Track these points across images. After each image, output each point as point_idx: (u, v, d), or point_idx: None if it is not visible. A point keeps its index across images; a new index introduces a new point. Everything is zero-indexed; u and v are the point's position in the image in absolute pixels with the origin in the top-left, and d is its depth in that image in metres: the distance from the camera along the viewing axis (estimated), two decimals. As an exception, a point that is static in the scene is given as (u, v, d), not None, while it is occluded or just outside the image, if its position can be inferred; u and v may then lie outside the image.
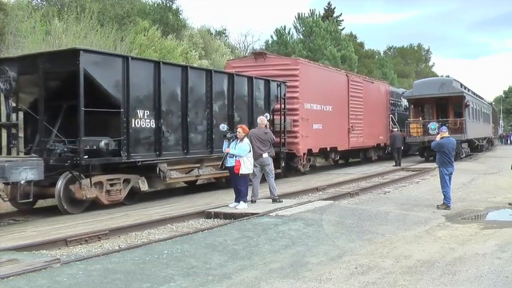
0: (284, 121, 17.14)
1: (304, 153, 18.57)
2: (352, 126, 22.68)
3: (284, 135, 17.22)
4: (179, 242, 7.60)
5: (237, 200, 10.75)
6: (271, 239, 8.12)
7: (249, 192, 11.29)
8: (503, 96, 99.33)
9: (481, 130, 33.77)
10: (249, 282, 6.01)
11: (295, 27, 45.10)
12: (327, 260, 7.14)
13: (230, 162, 10.83)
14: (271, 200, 11.40)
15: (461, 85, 28.78)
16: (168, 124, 12.71)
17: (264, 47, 39.75)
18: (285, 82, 17.33)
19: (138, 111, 11.82)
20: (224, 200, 11.87)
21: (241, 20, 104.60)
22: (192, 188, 15.30)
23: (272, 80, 16.70)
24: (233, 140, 10.84)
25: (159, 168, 12.43)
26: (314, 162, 20.40)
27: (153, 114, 12.23)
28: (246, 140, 10.84)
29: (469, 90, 30.49)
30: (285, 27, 43.49)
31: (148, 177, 12.35)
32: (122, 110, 11.40)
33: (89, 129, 10.85)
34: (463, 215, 11.32)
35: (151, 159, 12.22)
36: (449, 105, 28.37)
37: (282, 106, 17.20)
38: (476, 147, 31.80)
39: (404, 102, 31.55)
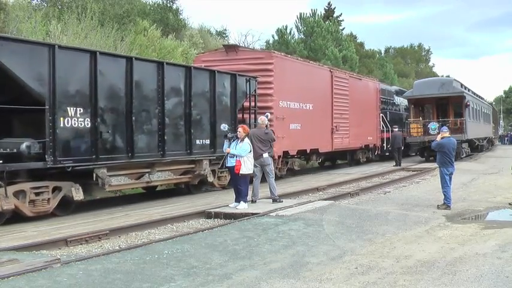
0: (255, 120, 15.01)
1: (279, 156, 16.85)
2: (336, 126, 21.09)
3: None
4: (179, 242, 7.60)
5: (237, 200, 10.75)
6: (272, 239, 8.12)
7: (249, 192, 11.29)
8: (504, 96, 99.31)
9: (481, 130, 33.76)
10: (249, 282, 6.01)
11: (296, 27, 45.11)
12: (327, 260, 7.14)
13: (230, 162, 10.83)
14: (271, 200, 11.40)
15: (462, 85, 28.78)
16: (108, 123, 11.06)
17: (264, 47, 39.73)
18: (255, 77, 15.71)
19: (68, 108, 10.19)
20: (224, 200, 11.88)
21: (241, 20, 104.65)
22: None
23: (239, 75, 15.05)
24: (234, 140, 10.84)
25: (97, 174, 10.80)
26: (292, 165, 18.46)
27: (89, 112, 10.59)
28: (247, 140, 10.85)
29: (469, 90, 30.49)
30: (286, 27, 43.51)
31: (85, 185, 10.89)
32: (47, 107, 9.80)
33: (9, 129, 9.91)
34: (463, 215, 11.32)
35: (86, 164, 10.55)
36: (449, 105, 28.38)
37: (252, 104, 15.71)
38: (476, 147, 31.80)
39: (398, 101, 30.84)
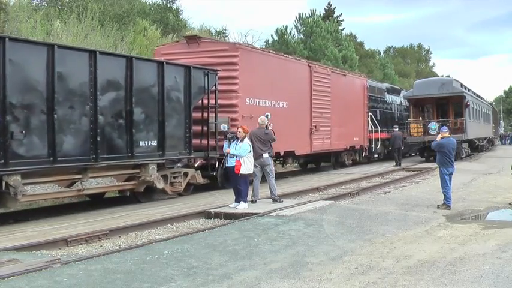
0: (215, 119, 14.02)
1: None
2: (315, 126, 19.15)
3: (216, 137, 13.95)
4: (179, 242, 7.60)
5: (237, 200, 10.75)
6: (272, 239, 8.12)
7: (249, 192, 11.29)
8: (504, 96, 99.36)
9: (482, 130, 33.77)
10: (249, 282, 6.01)
11: (296, 27, 45.10)
12: (328, 260, 7.14)
13: (230, 163, 10.83)
14: (271, 200, 11.41)
15: (462, 85, 28.79)
16: (22, 122, 9.38)
17: (264, 47, 39.73)
18: (215, 70, 14.04)
19: None
20: (224, 200, 11.87)
21: (241, 20, 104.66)
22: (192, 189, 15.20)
23: (195, 67, 13.37)
24: (233, 140, 10.84)
25: (7, 182, 9.11)
26: None
27: None
28: (247, 140, 10.85)
29: (469, 90, 30.50)
30: (286, 27, 43.50)
31: None
32: None
33: None
34: (463, 215, 11.32)
35: None
36: (449, 105, 28.39)
37: (212, 101, 14.09)
38: (476, 147, 31.82)
39: (389, 99, 29.57)
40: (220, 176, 14.63)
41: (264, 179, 11.79)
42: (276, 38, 43.05)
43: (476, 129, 30.23)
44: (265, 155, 11.46)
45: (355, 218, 9.95)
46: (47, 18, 22.74)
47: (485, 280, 6.13)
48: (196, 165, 14.13)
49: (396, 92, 31.70)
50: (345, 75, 22.92)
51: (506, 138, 66.17)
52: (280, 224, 8.99)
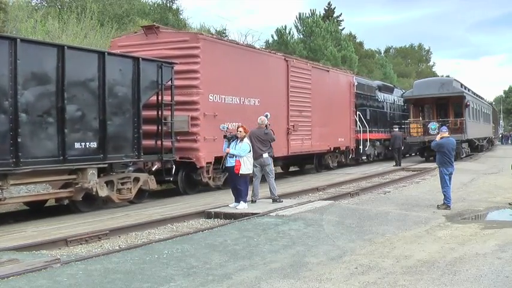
0: (171, 118, 12.69)
1: (210, 162, 13.76)
2: (293, 126, 17.59)
3: (172, 138, 12.64)
4: (179, 242, 7.60)
5: (237, 200, 10.75)
6: (272, 239, 8.12)
7: (249, 192, 11.29)
8: (504, 96, 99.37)
9: (481, 130, 33.80)
10: (249, 282, 6.01)
11: (295, 27, 45.11)
12: (327, 260, 7.14)
13: (230, 163, 10.82)
14: (271, 200, 11.40)
15: (462, 85, 28.82)
16: None
17: (264, 47, 39.73)
18: (171, 63, 12.60)
19: None
20: (224, 200, 11.87)
21: (241, 20, 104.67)
22: (192, 188, 15.16)
23: (145, 59, 11.95)
24: (233, 140, 10.83)
25: None
26: None
27: None
28: (246, 140, 10.84)
29: (469, 90, 30.52)
30: (285, 27, 43.49)
31: None
32: None
33: None
34: (463, 215, 11.32)
35: None
36: (449, 105, 28.41)
37: (168, 98, 12.63)
38: (476, 147, 31.84)
39: (381, 97, 28.10)
40: (182, 182, 13.83)
41: (263, 179, 11.79)
42: (275, 38, 43.06)
43: (476, 129, 30.25)
44: (265, 155, 11.46)
45: (355, 218, 9.95)
46: (47, 18, 22.74)
47: (485, 280, 6.13)
48: (154, 169, 12.80)
49: (389, 90, 30.30)
50: (328, 71, 21.31)
51: (509, 138, 66.18)
52: (280, 224, 8.99)
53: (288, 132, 17.53)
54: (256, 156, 11.25)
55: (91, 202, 11.34)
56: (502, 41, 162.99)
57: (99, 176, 10.84)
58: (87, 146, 10.53)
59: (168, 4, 34.49)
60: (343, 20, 55.61)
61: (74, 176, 10.48)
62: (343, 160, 22.72)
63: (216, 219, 10.04)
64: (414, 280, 6.16)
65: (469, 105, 27.21)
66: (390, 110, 29.61)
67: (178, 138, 13.15)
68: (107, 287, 5.60)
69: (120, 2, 29.73)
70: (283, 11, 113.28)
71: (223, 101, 14.41)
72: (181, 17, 35.02)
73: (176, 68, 12.83)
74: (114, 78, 11.15)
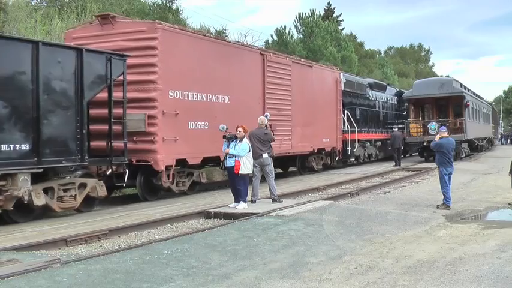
0: (123, 116, 11.49)
1: (171, 166, 12.55)
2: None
3: (124, 139, 11.46)
4: (179, 242, 7.60)
5: (237, 200, 10.75)
6: (271, 239, 8.12)
7: (249, 192, 11.29)
8: (503, 96, 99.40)
9: (481, 130, 33.82)
10: (249, 282, 6.01)
11: (295, 26, 45.11)
12: (327, 260, 7.14)
13: (230, 163, 10.82)
14: (271, 200, 11.40)
15: (461, 85, 28.83)
16: None
17: (264, 47, 39.76)
18: (123, 56, 11.40)
19: None
20: (224, 200, 11.88)
21: (241, 20, 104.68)
22: (192, 188, 15.14)
23: (90, 51, 10.77)
24: (233, 140, 10.83)
25: None
26: (199, 177, 13.96)
27: None
28: (246, 140, 10.85)
29: (469, 90, 30.53)
30: (285, 27, 43.51)
31: None
32: None
33: None
34: (463, 215, 11.32)
35: None
36: (449, 105, 28.43)
37: (118, 94, 11.41)
38: (476, 147, 31.85)
39: (373, 96, 26.97)
40: (140, 187, 12.73)
41: (263, 179, 11.78)
42: (275, 38, 43.06)
43: (475, 129, 30.27)
44: (265, 155, 11.46)
45: (355, 218, 9.95)
46: (47, 18, 22.74)
47: (485, 280, 6.13)
48: (108, 173, 11.54)
49: (381, 87, 28.96)
50: (311, 67, 19.74)
51: (504, 138, 66.21)
52: (280, 224, 8.99)
53: None
54: (256, 156, 11.25)
55: (29, 211, 10.00)
56: (501, 41, 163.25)
57: (35, 183, 9.65)
58: (17, 149, 9.30)
59: (168, 4, 34.45)
60: (342, 20, 55.65)
61: (3, 183, 9.21)
62: (329, 162, 21.39)
63: (215, 219, 10.04)
64: (414, 280, 6.17)
65: (468, 105, 27.23)
66: (383, 109, 28.47)
67: (135, 139, 12.07)
68: (106, 287, 5.61)
69: (120, 2, 29.72)
70: (283, 10, 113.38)
71: (186, 98, 13.05)
72: (181, 17, 34.99)
73: (132, 61, 11.74)
74: (50, 71, 9.88)
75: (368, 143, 25.44)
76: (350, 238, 8.52)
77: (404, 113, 30.44)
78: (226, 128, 11.16)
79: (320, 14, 48.33)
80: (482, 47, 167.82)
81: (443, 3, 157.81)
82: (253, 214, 9.78)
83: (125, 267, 6.30)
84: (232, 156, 10.72)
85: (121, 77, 11.38)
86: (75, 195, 10.55)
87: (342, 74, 22.89)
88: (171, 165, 12.55)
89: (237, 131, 10.84)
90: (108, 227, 8.85)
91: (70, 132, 10.30)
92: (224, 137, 11.07)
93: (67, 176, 10.59)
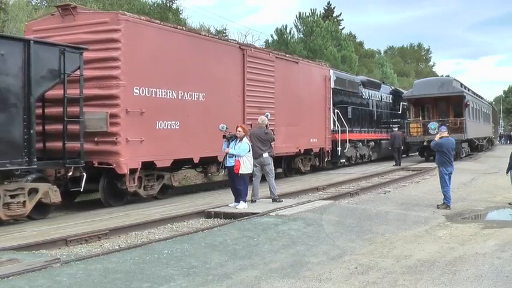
0: (80, 115, 10.67)
1: (136, 169, 11.60)
2: (251, 125, 14.66)
3: (81, 139, 10.70)
4: (179, 241, 7.60)
5: (237, 200, 10.75)
6: (271, 238, 8.12)
7: (249, 192, 11.29)
8: (503, 96, 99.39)
9: (481, 130, 33.81)
10: (249, 282, 6.01)
11: (295, 26, 45.10)
12: (327, 259, 7.14)
13: (230, 162, 10.81)
14: (271, 199, 11.40)
15: (461, 85, 28.82)
16: None
17: (264, 46, 39.76)
18: (79, 48, 10.57)
19: None
20: (224, 199, 11.87)
21: (241, 20, 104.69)
22: (192, 188, 15.16)
23: (39, 42, 9.95)
24: (232, 140, 10.83)
25: None
26: (170, 180, 13.04)
27: None
28: (246, 139, 10.84)
29: (469, 90, 30.52)
30: (286, 26, 43.50)
31: None
32: None
33: None
34: (463, 215, 11.32)
35: None
36: (449, 105, 28.42)
37: (74, 91, 10.54)
38: (476, 147, 31.84)
39: (366, 94, 25.91)
40: (103, 191, 11.77)
41: (263, 179, 11.78)
42: (275, 37, 43.05)
43: (476, 129, 30.26)
44: (265, 155, 11.46)
45: (355, 218, 9.95)
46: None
47: (485, 280, 6.13)
48: (69, 176, 10.85)
49: (375, 86, 27.78)
50: (297, 63, 18.64)
51: (503, 138, 66.21)
52: (280, 224, 8.99)
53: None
54: (256, 156, 11.25)
55: None
56: (502, 41, 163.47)
57: None
58: None
59: (168, 4, 34.46)
60: (343, 20, 55.67)
61: None
62: (317, 163, 20.40)
63: (216, 219, 10.04)
64: (414, 280, 6.16)
65: (469, 105, 27.22)
66: (377, 108, 27.40)
67: (96, 139, 11.22)
68: (107, 287, 5.60)
69: (120, 1, 29.72)
70: (283, 10, 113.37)
71: (153, 95, 12.07)
72: (181, 16, 35.00)
73: (93, 55, 10.99)
74: None
75: (360, 144, 24.28)
76: (350, 238, 8.52)
77: (400, 112, 29.99)
78: (226, 128, 11.16)
79: (320, 14, 48.36)
80: (482, 47, 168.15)
81: (443, 3, 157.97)
82: (253, 214, 9.78)
83: (125, 267, 6.30)
84: (232, 156, 10.72)
85: (77, 72, 10.53)
86: (25, 201, 9.63)
87: (332, 70, 21.86)
88: (136, 168, 11.62)
89: (236, 131, 10.84)
90: (108, 226, 8.85)
91: (16, 133, 9.37)
92: (224, 136, 11.06)
93: (18, 180, 9.66)
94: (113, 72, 11.36)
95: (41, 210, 10.22)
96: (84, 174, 10.78)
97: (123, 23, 11.46)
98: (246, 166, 10.69)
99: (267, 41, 43.27)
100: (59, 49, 10.12)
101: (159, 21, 12.99)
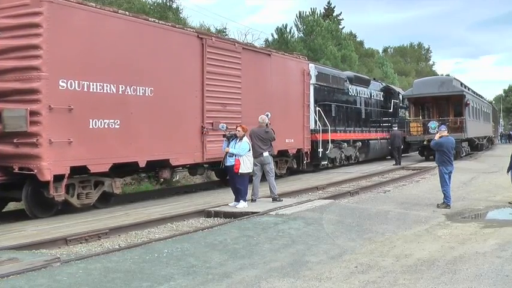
0: None
1: (63, 175, 9.96)
2: (212, 124, 13.49)
3: None
4: (179, 241, 7.60)
5: (237, 199, 10.75)
6: (271, 238, 8.12)
7: (249, 191, 11.29)
8: (503, 95, 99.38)
9: (481, 129, 33.80)
10: (249, 281, 6.01)
11: (296, 25, 45.09)
12: (327, 259, 7.14)
13: (230, 162, 10.82)
14: (271, 199, 11.41)
15: (462, 84, 28.82)
16: None
17: (264, 45, 39.71)
18: None
19: None
20: (224, 199, 11.88)
21: (242, 19, 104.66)
22: (192, 187, 15.16)
23: None
24: (232, 139, 10.83)
25: None
26: (111, 187, 11.44)
27: None
28: (246, 139, 10.85)
29: (469, 89, 30.51)
30: (286, 25, 43.50)
31: None
32: None
33: None
34: (463, 214, 11.31)
35: None
36: (449, 104, 28.41)
37: None
38: (476, 146, 31.82)
39: (353, 91, 24.29)
40: (27, 201, 10.15)
41: (263, 178, 11.78)
42: (276, 36, 43.06)
43: (476, 128, 30.26)
44: (265, 154, 11.47)
45: (355, 217, 9.95)
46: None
47: (485, 279, 6.12)
48: None
49: (363, 82, 25.93)
50: (269, 55, 16.71)
51: (503, 138, 66.22)
52: (280, 223, 8.99)
53: (202, 132, 13.38)
54: (256, 155, 11.26)
55: None
56: (502, 40, 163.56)
57: None
58: None
59: (168, 3, 34.43)
60: (343, 19, 55.65)
61: None
62: (295, 166, 18.66)
63: (215, 218, 10.05)
64: (414, 279, 6.16)
65: (469, 104, 27.22)
66: (365, 105, 25.68)
67: (15, 141, 9.73)
68: (107, 286, 5.60)
69: (119, 1, 29.71)
70: (283, 9, 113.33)
71: (85, 89, 10.38)
72: (181, 16, 34.97)
73: (10, 42, 9.73)
74: None
75: (345, 144, 22.46)
76: (350, 237, 8.52)
77: (391, 110, 28.90)
78: (226, 127, 11.16)
79: (320, 13, 48.36)
80: (482, 46, 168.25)
81: (443, 2, 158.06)
82: (253, 213, 9.78)
83: (125, 266, 6.30)
84: (232, 155, 10.72)
85: None
86: None
87: (312, 65, 20.09)
88: (63, 175, 9.97)
89: (236, 130, 10.85)
90: (108, 226, 8.85)
91: None
92: (224, 136, 11.07)
93: None
94: (32, 63, 9.70)
95: None
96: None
97: (46, 5, 9.77)
98: (246, 165, 10.70)
99: (267, 40, 43.30)
100: None
101: (94, 4, 11.13)
